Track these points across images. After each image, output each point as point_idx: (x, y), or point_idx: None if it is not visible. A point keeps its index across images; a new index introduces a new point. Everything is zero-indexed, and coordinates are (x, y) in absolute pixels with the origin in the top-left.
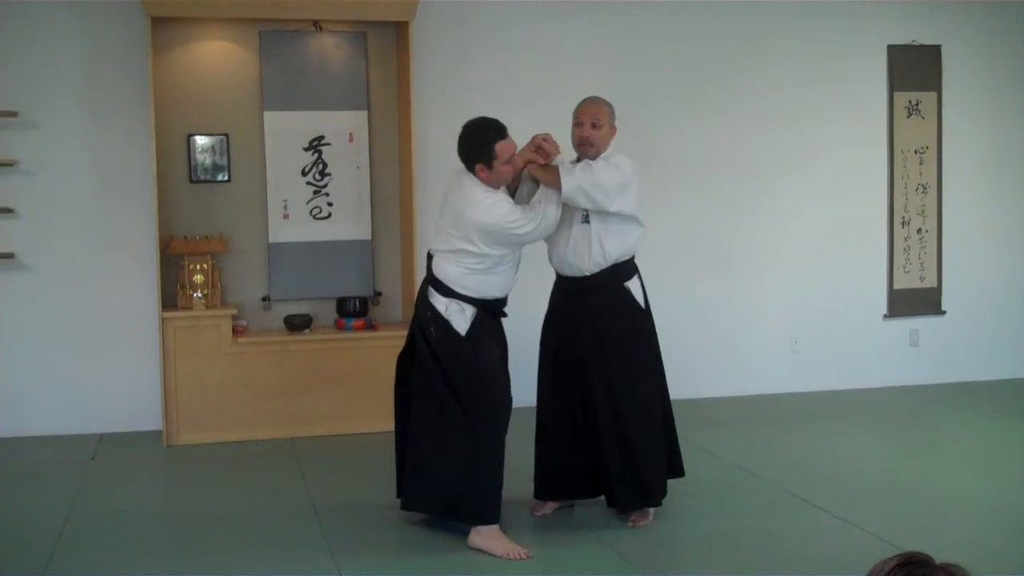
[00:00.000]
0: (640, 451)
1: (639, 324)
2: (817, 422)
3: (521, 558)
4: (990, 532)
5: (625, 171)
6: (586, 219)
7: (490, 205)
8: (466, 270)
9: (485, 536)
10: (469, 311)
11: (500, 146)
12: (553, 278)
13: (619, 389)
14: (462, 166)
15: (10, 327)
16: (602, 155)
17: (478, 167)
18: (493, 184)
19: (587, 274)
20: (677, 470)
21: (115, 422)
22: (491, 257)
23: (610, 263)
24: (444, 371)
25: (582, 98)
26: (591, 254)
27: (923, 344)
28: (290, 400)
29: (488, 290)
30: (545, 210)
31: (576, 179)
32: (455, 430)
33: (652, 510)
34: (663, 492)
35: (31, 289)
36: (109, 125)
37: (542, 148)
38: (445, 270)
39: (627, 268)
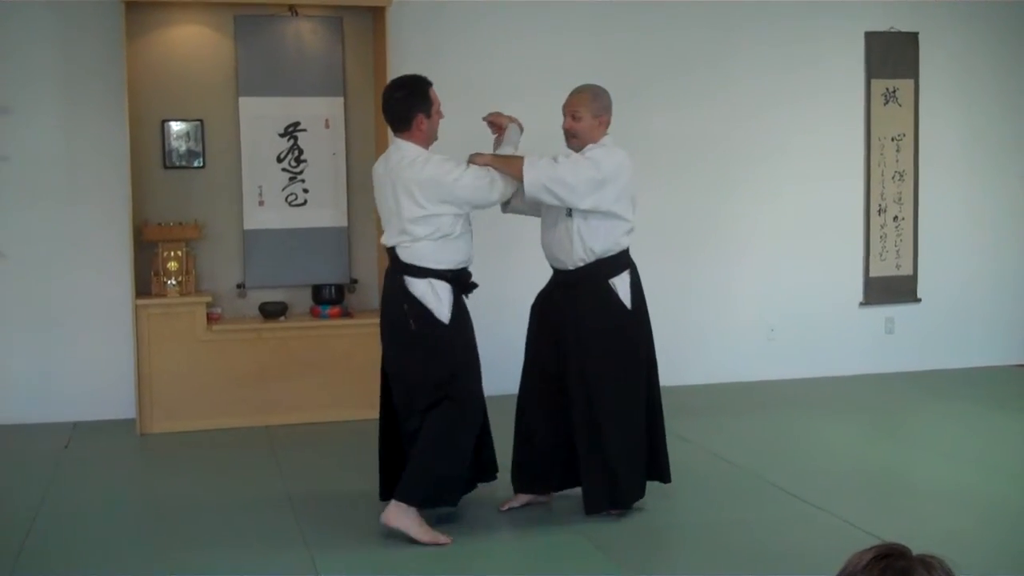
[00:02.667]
0: (612, 454)
1: (620, 324)
2: (793, 410)
3: (443, 544)
4: (966, 520)
5: (602, 167)
6: (569, 213)
7: (421, 161)
8: (432, 243)
9: (401, 515)
10: (446, 295)
11: (433, 92)
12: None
13: (594, 390)
14: (380, 159)
15: None
16: (589, 147)
17: (419, 118)
18: (422, 142)
19: (571, 268)
20: (664, 476)
21: (88, 410)
22: (444, 219)
23: (593, 259)
24: (424, 362)
25: (558, 82)
26: (572, 249)
27: (899, 332)
28: (265, 388)
29: (458, 256)
30: (492, 175)
31: (537, 173)
32: (422, 419)
33: None
34: (634, 496)
35: (4, 276)
36: (83, 110)
37: (493, 120)
38: (413, 251)
39: (614, 264)
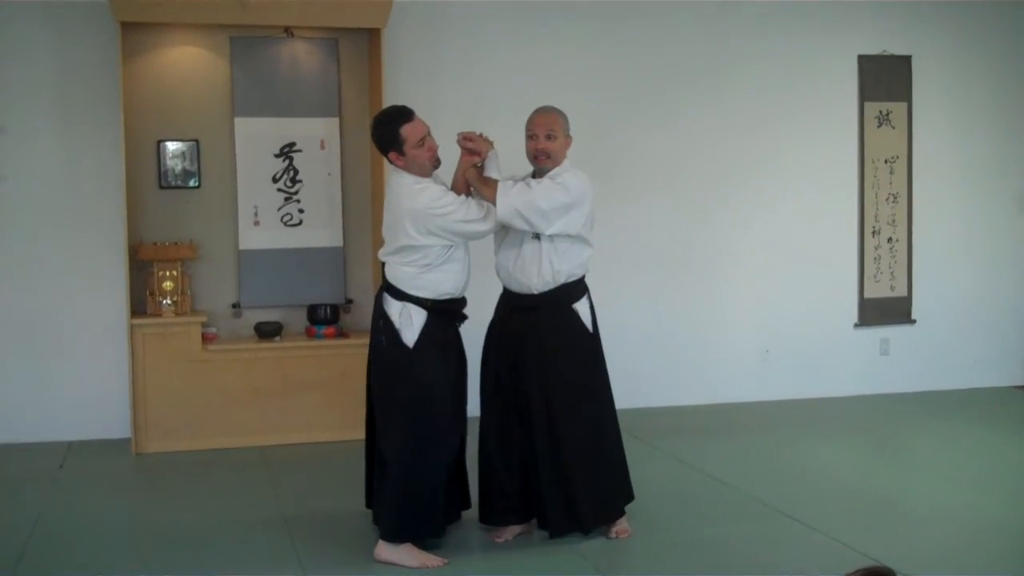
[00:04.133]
0: (575, 478)
1: (585, 349)
2: (787, 431)
3: (436, 566)
4: (961, 541)
5: (572, 191)
6: (536, 236)
7: (417, 191)
8: (415, 269)
9: (389, 551)
10: (419, 319)
11: (406, 129)
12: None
13: (557, 416)
14: (392, 168)
15: None
16: (554, 170)
17: (392, 155)
18: (416, 171)
19: (535, 292)
20: (626, 495)
21: (83, 430)
22: (431, 249)
23: (559, 283)
24: (386, 382)
25: (554, 100)
26: (540, 272)
27: (893, 353)
28: (260, 408)
29: (441, 287)
30: (487, 208)
31: (512, 200)
32: (387, 441)
33: (626, 520)
34: (597, 520)
35: None
36: (79, 130)
37: (470, 148)
38: (395, 272)
39: (576, 288)
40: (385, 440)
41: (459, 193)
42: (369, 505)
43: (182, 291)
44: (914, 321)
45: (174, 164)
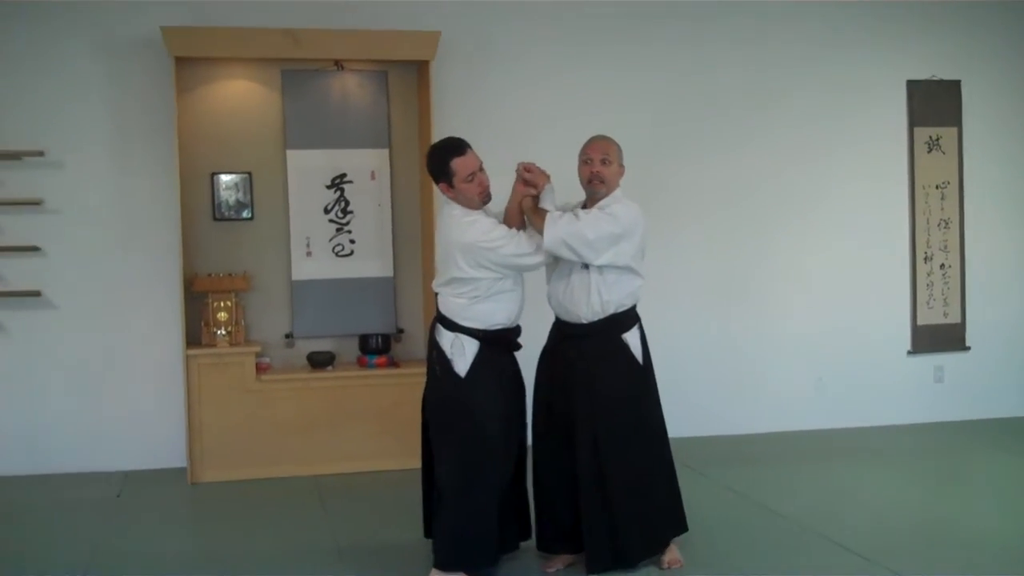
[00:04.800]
0: (619, 510)
1: (634, 382)
2: (842, 459)
3: None
4: (1018, 572)
5: (621, 221)
6: (586, 266)
7: (467, 224)
8: (466, 300)
9: None
10: (472, 349)
11: (456, 163)
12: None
13: (603, 447)
14: (443, 198)
15: (36, 364)
16: (606, 199)
17: (441, 186)
18: (465, 203)
19: (584, 322)
20: (680, 525)
21: (140, 459)
22: (482, 282)
23: (608, 313)
24: (439, 412)
25: (602, 130)
26: (589, 302)
27: (948, 380)
28: (313, 437)
29: (493, 318)
30: (537, 240)
31: (559, 231)
32: (443, 473)
33: (676, 549)
34: (641, 555)
35: (57, 326)
36: (134, 164)
37: (527, 179)
38: (447, 304)
39: (626, 319)
40: (440, 469)
41: (512, 222)
42: (427, 535)
43: (236, 321)
44: (968, 348)
45: (228, 196)
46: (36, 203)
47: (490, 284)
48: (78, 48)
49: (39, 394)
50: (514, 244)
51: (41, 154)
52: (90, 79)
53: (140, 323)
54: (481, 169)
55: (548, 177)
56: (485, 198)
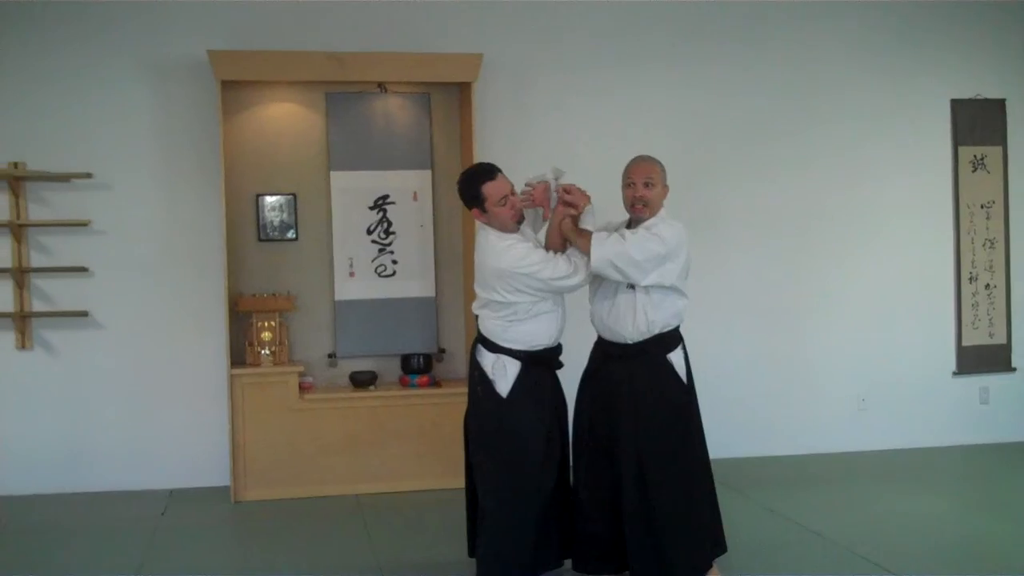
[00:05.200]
0: (664, 530)
1: (677, 400)
2: (885, 481)
3: None
4: None
5: (667, 241)
6: (630, 286)
7: (503, 249)
8: (505, 322)
9: None
10: (513, 369)
11: (487, 188)
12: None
13: (648, 467)
14: (478, 222)
15: (83, 383)
16: (650, 220)
17: (474, 212)
18: (500, 227)
19: (629, 342)
20: (720, 545)
21: (184, 477)
22: (520, 305)
23: (653, 333)
24: (480, 432)
25: (644, 152)
26: (634, 323)
27: (993, 402)
28: (355, 456)
29: (534, 339)
30: (575, 261)
31: (605, 251)
32: (484, 492)
33: (716, 570)
34: (687, 572)
35: (104, 346)
36: (180, 186)
37: (568, 201)
38: (487, 325)
39: (671, 339)
40: (482, 488)
41: (552, 244)
42: (471, 554)
43: (280, 341)
44: (1014, 369)
45: (272, 217)
46: (84, 224)
47: (529, 306)
48: (126, 71)
49: (85, 413)
50: (551, 267)
51: (89, 176)
52: (138, 102)
53: (185, 343)
54: (513, 192)
55: (589, 198)
56: (519, 219)
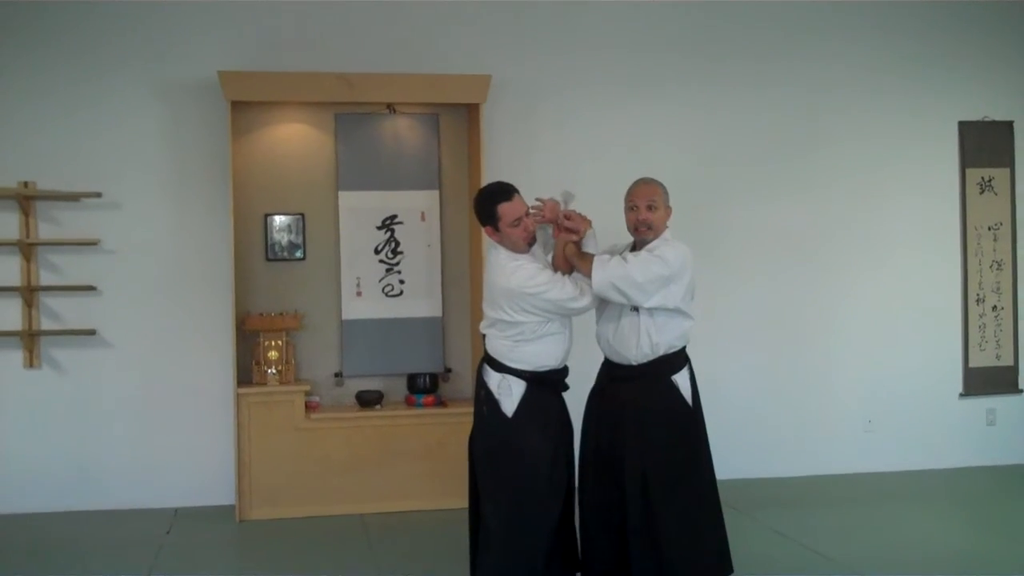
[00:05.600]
0: (669, 552)
1: (683, 422)
2: (892, 503)
3: None
4: None
5: (670, 263)
6: (635, 308)
7: (512, 269)
8: (511, 342)
9: None
10: (519, 389)
11: (502, 208)
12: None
13: (652, 489)
14: (490, 241)
15: (90, 401)
16: (654, 241)
17: (487, 229)
18: (511, 247)
19: (633, 364)
20: (725, 568)
21: (190, 496)
22: (527, 325)
23: (658, 355)
24: (486, 451)
25: (652, 174)
26: (638, 345)
27: (1000, 423)
28: (361, 476)
29: (540, 360)
30: (581, 284)
31: (607, 273)
32: (488, 512)
33: None
34: None
35: (111, 364)
36: (189, 205)
37: (568, 227)
38: (494, 344)
39: (676, 360)
40: (486, 508)
41: (559, 268)
42: (474, 574)
43: (287, 360)
44: (1021, 391)
45: (280, 237)
46: (93, 243)
47: (535, 327)
48: (136, 91)
49: (93, 431)
50: (558, 289)
51: (98, 195)
52: (147, 122)
53: (193, 362)
54: (527, 214)
55: (589, 223)
56: (531, 241)
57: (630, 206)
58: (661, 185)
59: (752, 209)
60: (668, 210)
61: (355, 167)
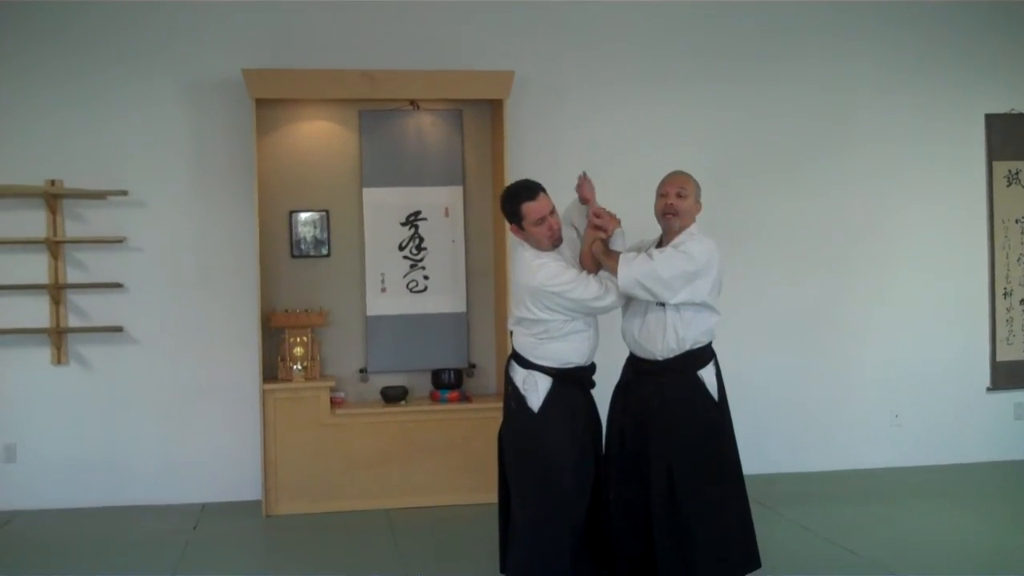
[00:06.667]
0: (694, 547)
1: (709, 418)
2: (918, 498)
3: None
4: None
5: (696, 259)
6: (661, 304)
7: (536, 267)
8: (536, 339)
9: None
10: (544, 385)
11: (527, 207)
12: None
13: (678, 484)
14: (515, 239)
15: (117, 398)
16: (680, 237)
17: (512, 228)
18: (535, 245)
19: (659, 359)
20: (754, 561)
21: (217, 492)
22: (552, 323)
23: (684, 350)
24: (513, 446)
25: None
26: (664, 339)
27: None
28: (386, 471)
29: (565, 357)
30: (607, 283)
31: (632, 271)
32: (516, 507)
33: None
34: None
35: (138, 361)
36: (215, 203)
37: (597, 225)
38: (520, 341)
39: (702, 355)
40: (515, 502)
41: (586, 266)
42: (503, 569)
43: (312, 356)
44: None
45: (305, 233)
46: (119, 241)
47: (560, 325)
48: (161, 90)
49: (119, 427)
50: (582, 288)
51: (125, 193)
52: (173, 120)
53: (219, 358)
54: (552, 213)
55: (618, 221)
56: (555, 241)
57: (660, 193)
58: (694, 179)
59: (779, 206)
60: (698, 204)
61: (379, 164)
